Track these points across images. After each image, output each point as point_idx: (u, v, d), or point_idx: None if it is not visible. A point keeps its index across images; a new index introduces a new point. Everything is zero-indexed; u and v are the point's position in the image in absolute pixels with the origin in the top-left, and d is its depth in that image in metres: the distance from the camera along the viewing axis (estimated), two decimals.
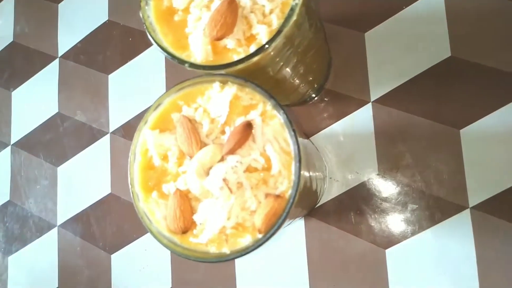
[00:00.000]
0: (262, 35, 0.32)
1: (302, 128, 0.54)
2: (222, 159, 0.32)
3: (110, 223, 0.60)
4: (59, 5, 0.68)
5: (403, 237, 0.49)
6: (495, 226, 0.45)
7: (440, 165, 0.48)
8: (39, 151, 0.66)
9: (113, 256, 0.60)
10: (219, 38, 0.33)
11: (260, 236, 0.30)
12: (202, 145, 0.33)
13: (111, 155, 0.61)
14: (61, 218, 0.63)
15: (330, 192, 0.52)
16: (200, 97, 0.34)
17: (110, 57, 0.63)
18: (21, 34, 0.71)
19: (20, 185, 0.67)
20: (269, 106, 0.32)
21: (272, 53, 0.33)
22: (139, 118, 0.60)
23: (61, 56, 0.67)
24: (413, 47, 0.50)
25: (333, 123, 0.53)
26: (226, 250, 0.30)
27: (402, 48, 0.51)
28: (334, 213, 0.52)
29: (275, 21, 0.32)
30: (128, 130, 0.61)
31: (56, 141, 0.65)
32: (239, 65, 0.32)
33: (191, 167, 0.31)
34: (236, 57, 0.33)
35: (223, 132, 0.33)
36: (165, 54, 0.34)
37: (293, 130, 0.30)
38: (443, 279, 0.46)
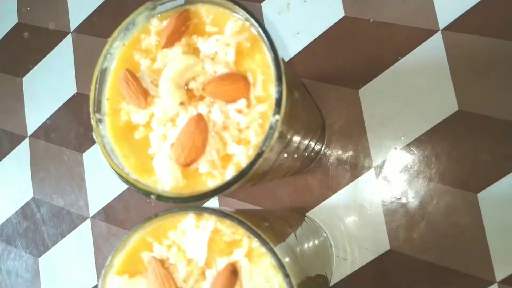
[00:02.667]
0: (240, 156, 0.27)
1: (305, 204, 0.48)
2: None
3: None
4: (23, 79, 0.63)
5: None
6: None
7: (459, 235, 0.42)
8: (17, 241, 0.61)
9: None
10: (188, 164, 0.27)
11: None
12: None
13: (93, 242, 0.56)
14: None
15: (339, 272, 0.46)
16: (172, 232, 0.28)
17: (84, 134, 0.58)
18: None
19: (1, 279, 0.61)
20: (256, 243, 0.26)
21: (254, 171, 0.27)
22: (120, 199, 0.54)
23: (31, 135, 0.61)
24: (414, 102, 0.45)
25: (332, 194, 0.47)
26: None
27: (402, 104, 0.45)
28: None
29: (254, 138, 0.27)
30: (109, 213, 0.55)
31: (34, 229, 0.60)
32: (219, 193, 0.26)
33: None
34: (211, 183, 0.27)
35: (203, 277, 0.27)
36: (127, 184, 0.28)
37: (287, 276, 0.25)
38: None
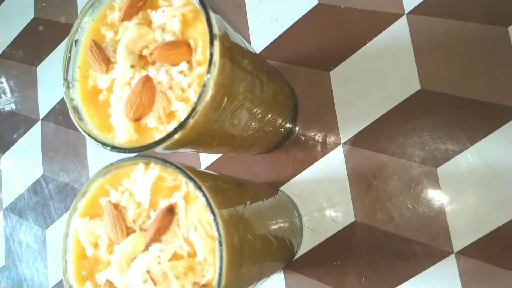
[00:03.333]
0: (181, 112, 0.31)
1: (275, 177, 0.51)
2: (146, 248, 0.30)
3: None
4: (37, 67, 0.70)
5: (388, 287, 0.45)
6: (482, 271, 0.41)
7: (419, 208, 0.44)
8: (28, 214, 0.67)
9: None
10: (137, 119, 0.31)
11: None
12: (130, 231, 0.31)
13: None
14: (52, 281, 0.63)
15: (308, 242, 0.49)
16: (126, 180, 0.32)
17: None
18: (5, 99, 0.73)
19: (13, 249, 0.67)
20: (192, 187, 0.30)
21: (196, 127, 0.31)
22: None
23: (43, 119, 0.67)
24: (380, 83, 0.47)
25: (304, 170, 0.50)
26: None
27: (370, 85, 0.48)
28: (314, 265, 0.49)
29: (193, 97, 0.30)
30: None
31: (42, 204, 0.66)
32: (161, 144, 0.30)
33: (113, 260, 0.30)
34: (158, 136, 0.31)
35: (149, 217, 0.31)
36: (88, 137, 0.33)
37: (213, 213, 0.28)
38: None
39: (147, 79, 0.31)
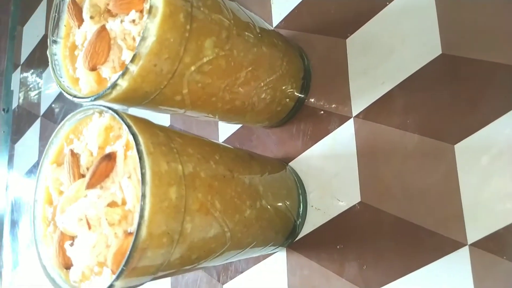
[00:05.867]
0: (128, 61, 0.30)
1: (279, 152, 0.49)
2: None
3: None
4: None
5: (390, 277, 0.40)
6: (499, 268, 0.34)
7: (432, 191, 0.38)
8: None
9: None
10: (92, 68, 0.32)
11: (113, 277, 0.28)
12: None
13: None
14: None
15: (312, 222, 0.46)
16: (86, 129, 0.33)
17: None
18: None
19: None
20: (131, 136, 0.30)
21: (146, 76, 0.30)
22: None
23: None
24: (397, 48, 0.42)
25: (313, 145, 0.47)
26: None
27: (385, 51, 0.43)
28: (316, 247, 0.45)
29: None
30: None
31: None
32: (109, 94, 0.31)
33: (59, 203, 0.31)
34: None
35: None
36: (60, 89, 0.34)
37: (140, 158, 0.27)
38: None
39: (102, 29, 0.31)
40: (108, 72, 0.32)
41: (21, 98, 0.86)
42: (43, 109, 0.80)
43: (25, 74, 0.88)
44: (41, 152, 0.76)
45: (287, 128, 0.49)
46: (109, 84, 0.32)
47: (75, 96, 0.33)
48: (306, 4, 0.50)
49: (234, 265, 0.51)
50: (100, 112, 0.32)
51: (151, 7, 0.28)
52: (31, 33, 0.87)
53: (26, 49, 0.90)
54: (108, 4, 0.32)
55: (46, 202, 0.34)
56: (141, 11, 0.31)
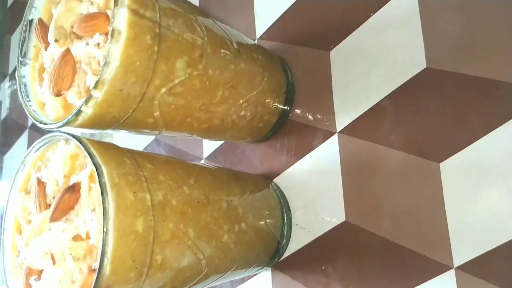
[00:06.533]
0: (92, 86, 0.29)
1: (268, 167, 0.47)
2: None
3: None
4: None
5: None
6: None
7: (417, 211, 0.37)
8: None
9: None
10: (57, 94, 0.31)
11: None
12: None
13: None
14: None
15: (296, 241, 0.44)
16: (53, 156, 0.32)
17: None
18: None
19: None
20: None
21: (112, 101, 0.29)
22: None
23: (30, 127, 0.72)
24: (381, 61, 0.41)
25: (297, 161, 0.45)
26: None
27: (369, 63, 0.41)
28: (301, 267, 0.44)
29: None
30: None
31: None
32: (75, 120, 0.29)
33: (23, 236, 0.30)
34: None
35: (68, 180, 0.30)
36: (27, 113, 0.33)
37: (102, 191, 0.26)
38: None
39: (66, 53, 0.30)
40: (74, 98, 0.30)
41: (10, 108, 0.85)
42: (31, 120, 0.79)
43: (13, 84, 0.86)
44: None
45: (272, 143, 0.48)
46: (74, 111, 0.30)
47: (41, 122, 0.31)
48: (290, 15, 0.49)
49: (219, 287, 0.50)
50: (66, 140, 0.31)
51: (113, 30, 0.27)
52: None
53: (15, 59, 0.88)
54: (72, 27, 0.31)
55: (16, 231, 0.33)
56: (107, 34, 0.29)
